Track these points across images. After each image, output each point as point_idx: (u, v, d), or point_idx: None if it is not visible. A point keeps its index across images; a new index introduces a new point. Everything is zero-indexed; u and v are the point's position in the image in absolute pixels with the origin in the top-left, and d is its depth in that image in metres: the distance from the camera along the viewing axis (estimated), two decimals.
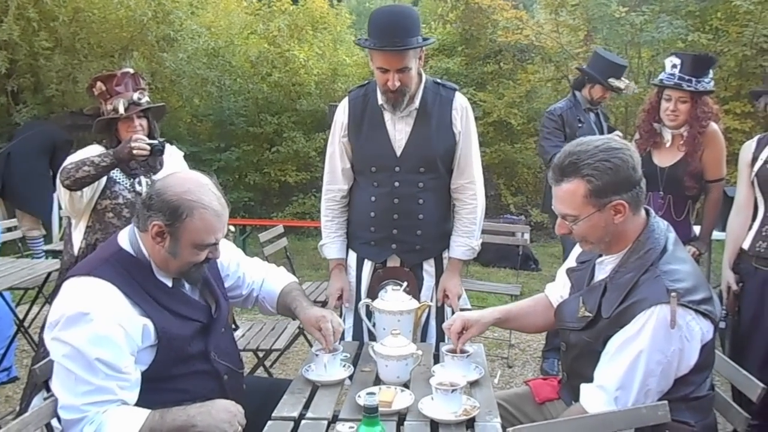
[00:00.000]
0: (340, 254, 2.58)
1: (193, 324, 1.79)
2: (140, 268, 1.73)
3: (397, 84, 2.30)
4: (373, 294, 2.41)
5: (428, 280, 2.55)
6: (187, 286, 1.84)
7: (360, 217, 2.55)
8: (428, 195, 2.47)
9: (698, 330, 1.62)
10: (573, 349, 1.84)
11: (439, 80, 2.53)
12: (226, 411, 1.65)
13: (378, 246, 2.52)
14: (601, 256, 1.83)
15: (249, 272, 2.13)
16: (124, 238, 1.78)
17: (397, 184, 2.45)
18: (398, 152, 2.44)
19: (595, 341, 1.72)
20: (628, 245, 1.74)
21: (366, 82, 2.58)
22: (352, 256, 2.60)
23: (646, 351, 1.59)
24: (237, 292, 2.11)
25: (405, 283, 2.33)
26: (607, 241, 1.76)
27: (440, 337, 2.53)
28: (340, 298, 2.55)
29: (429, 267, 2.55)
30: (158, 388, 1.68)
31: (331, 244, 2.59)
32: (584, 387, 1.71)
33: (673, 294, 1.58)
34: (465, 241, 2.52)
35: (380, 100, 2.43)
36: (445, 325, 2.05)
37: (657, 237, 1.72)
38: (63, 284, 1.72)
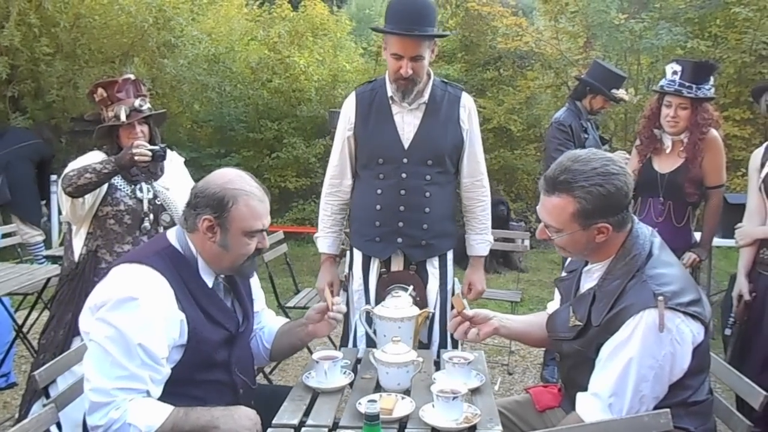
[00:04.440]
0: (332, 249, 2.64)
1: (221, 331, 1.81)
2: (186, 265, 1.77)
3: (410, 72, 2.34)
4: (380, 299, 2.40)
5: (432, 282, 2.54)
6: (222, 291, 1.87)
7: (365, 213, 2.55)
8: (435, 189, 2.48)
9: (688, 332, 1.62)
10: (567, 359, 1.84)
11: (446, 80, 2.58)
12: (248, 418, 1.68)
13: (383, 242, 2.50)
14: (587, 264, 1.84)
15: (264, 312, 2.15)
16: (173, 236, 1.82)
17: (404, 175, 2.46)
18: (406, 144, 2.46)
19: (587, 349, 1.72)
20: (611, 255, 1.75)
21: (373, 79, 2.62)
22: (358, 259, 2.58)
23: (637, 356, 1.59)
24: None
25: (411, 287, 2.33)
26: (586, 254, 1.78)
27: (442, 343, 2.53)
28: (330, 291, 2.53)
29: (433, 268, 2.54)
30: (177, 392, 1.69)
31: (325, 238, 2.64)
32: (580, 395, 1.70)
33: (660, 298, 1.58)
34: (483, 238, 2.64)
35: (390, 91, 2.46)
36: (467, 312, 1.96)
37: (642, 242, 1.73)
38: (111, 270, 1.74)
